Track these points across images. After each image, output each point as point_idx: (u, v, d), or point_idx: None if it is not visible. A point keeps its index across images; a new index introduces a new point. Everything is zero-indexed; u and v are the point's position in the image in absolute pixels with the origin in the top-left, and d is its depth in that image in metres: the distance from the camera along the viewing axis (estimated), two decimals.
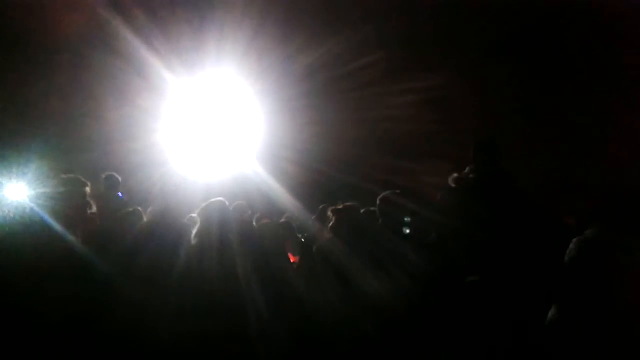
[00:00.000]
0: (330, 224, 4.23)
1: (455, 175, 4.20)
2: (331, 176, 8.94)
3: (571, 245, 3.40)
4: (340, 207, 4.28)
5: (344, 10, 9.28)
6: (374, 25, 9.22)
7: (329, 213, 4.34)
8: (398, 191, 4.35)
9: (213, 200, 4.09)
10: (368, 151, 9.16)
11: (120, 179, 5.09)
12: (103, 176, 5.24)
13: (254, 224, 4.97)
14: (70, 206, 3.31)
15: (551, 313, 3.41)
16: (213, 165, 9.89)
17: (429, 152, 8.34)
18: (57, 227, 3.05)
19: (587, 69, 8.95)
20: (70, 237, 3.06)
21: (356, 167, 8.88)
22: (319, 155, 9.65)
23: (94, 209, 3.76)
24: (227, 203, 4.16)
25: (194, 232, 3.98)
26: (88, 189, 3.56)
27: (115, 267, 3.37)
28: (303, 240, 5.23)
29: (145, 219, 4.21)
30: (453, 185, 4.20)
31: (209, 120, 10.14)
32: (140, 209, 4.29)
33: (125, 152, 7.87)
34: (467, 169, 4.18)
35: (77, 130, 8.88)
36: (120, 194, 4.76)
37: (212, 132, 10.11)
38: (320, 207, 5.43)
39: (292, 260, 4.83)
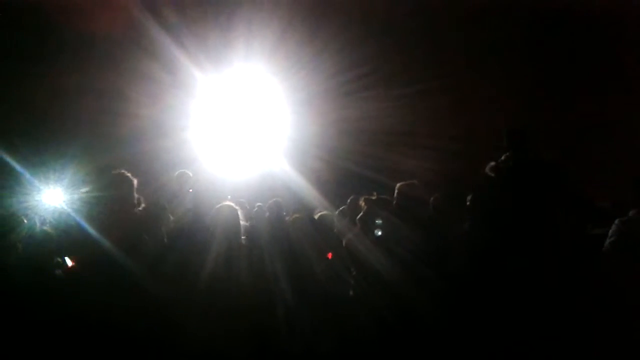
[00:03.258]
0: (361, 214, 4.19)
1: (493, 163, 4.24)
2: (358, 173, 8.92)
3: (614, 227, 3.50)
4: (374, 197, 4.25)
5: (372, 10, 9.25)
6: (399, 26, 9.19)
7: (361, 202, 4.32)
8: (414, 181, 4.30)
9: (222, 205, 4.09)
10: (394, 148, 9.11)
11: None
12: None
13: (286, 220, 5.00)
14: (113, 207, 3.34)
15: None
16: (241, 162, 9.99)
17: (456, 150, 8.25)
18: (92, 231, 3.12)
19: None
20: (105, 241, 3.12)
21: (382, 164, 8.84)
22: (346, 152, 9.65)
23: (142, 206, 3.79)
24: (235, 208, 4.14)
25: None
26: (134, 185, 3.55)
27: (145, 268, 3.41)
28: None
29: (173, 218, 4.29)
30: (491, 174, 4.23)
31: (236, 118, 10.24)
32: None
33: (156, 150, 8.01)
34: (502, 157, 4.21)
35: (108, 130, 9.07)
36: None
37: (240, 129, 10.21)
38: (350, 198, 5.39)
39: (329, 256, 4.73)
